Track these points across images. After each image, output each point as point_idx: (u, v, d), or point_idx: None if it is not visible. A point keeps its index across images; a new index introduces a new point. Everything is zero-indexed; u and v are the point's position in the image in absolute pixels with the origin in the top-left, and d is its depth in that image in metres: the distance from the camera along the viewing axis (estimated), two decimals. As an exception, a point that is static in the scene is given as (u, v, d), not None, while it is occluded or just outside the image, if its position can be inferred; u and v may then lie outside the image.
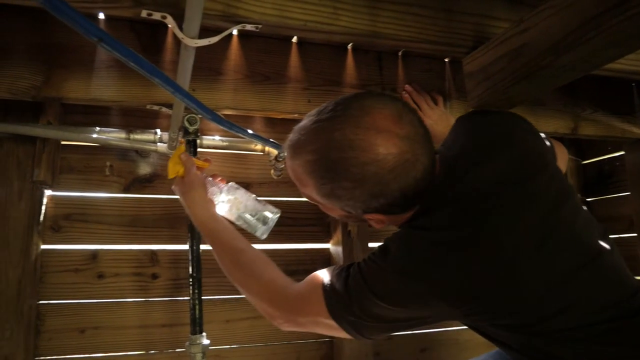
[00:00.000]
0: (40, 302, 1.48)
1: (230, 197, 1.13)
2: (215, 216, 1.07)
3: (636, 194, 1.89)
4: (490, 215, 0.80)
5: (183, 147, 1.24)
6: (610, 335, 0.75)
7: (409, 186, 0.79)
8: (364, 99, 0.82)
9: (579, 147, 2.19)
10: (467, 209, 0.81)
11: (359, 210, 0.85)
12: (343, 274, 0.85)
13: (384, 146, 0.76)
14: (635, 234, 1.91)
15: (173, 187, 1.13)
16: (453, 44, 1.25)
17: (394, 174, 0.77)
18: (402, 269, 0.79)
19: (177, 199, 1.63)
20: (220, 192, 1.13)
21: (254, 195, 1.16)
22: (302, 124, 0.87)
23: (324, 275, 0.89)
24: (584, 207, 0.90)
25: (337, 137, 0.78)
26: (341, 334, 0.86)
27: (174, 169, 1.10)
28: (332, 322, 0.84)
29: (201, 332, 1.32)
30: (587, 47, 0.94)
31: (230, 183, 1.16)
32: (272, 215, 1.14)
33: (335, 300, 0.84)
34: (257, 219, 1.13)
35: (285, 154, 0.89)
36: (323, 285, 0.86)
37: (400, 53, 1.55)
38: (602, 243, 0.84)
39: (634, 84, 1.83)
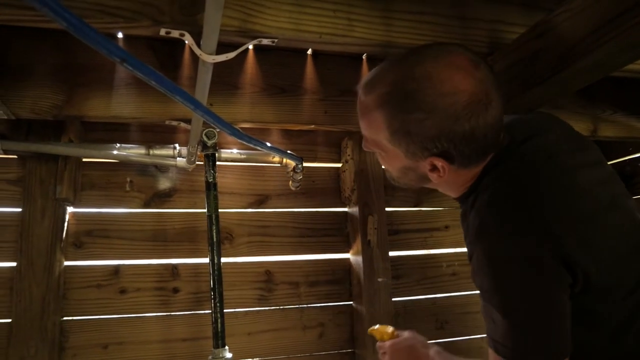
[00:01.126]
0: (64, 318, 1.50)
1: None
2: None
3: (660, 196, 1.86)
4: (562, 171, 0.82)
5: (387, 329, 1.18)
6: None
7: (479, 129, 0.78)
8: (445, 44, 0.85)
9: (599, 148, 2.15)
10: (536, 162, 0.82)
11: (425, 152, 0.81)
12: (491, 318, 0.79)
13: (462, 82, 0.76)
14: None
15: (386, 350, 1.11)
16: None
17: (466, 111, 0.76)
18: (513, 236, 0.76)
19: (196, 212, 1.67)
20: None
21: None
22: (380, 65, 0.86)
23: (491, 347, 0.81)
24: None
25: (416, 70, 0.78)
26: None
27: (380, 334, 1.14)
28: None
29: (224, 346, 1.32)
30: (604, 50, 0.93)
31: None
32: None
33: (516, 345, 0.76)
34: None
35: (359, 92, 0.87)
36: (499, 351, 0.78)
37: (414, 61, 1.55)
38: None
39: (653, 84, 1.80)
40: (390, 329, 1.13)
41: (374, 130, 0.85)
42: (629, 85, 1.74)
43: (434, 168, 0.84)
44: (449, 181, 0.88)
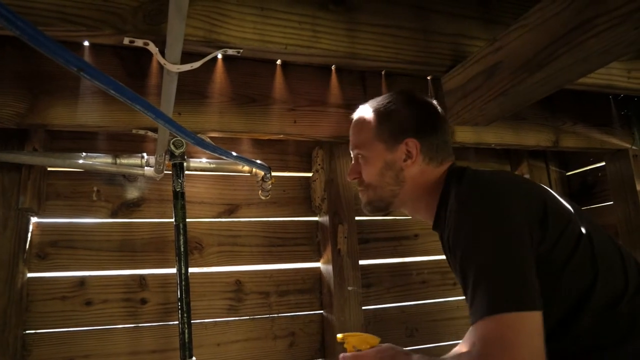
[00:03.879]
0: (27, 331, 1.45)
1: None
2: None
3: (619, 204, 1.92)
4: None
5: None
6: None
7: (440, 129, 1.01)
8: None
9: (562, 159, 2.23)
10: (495, 172, 1.01)
11: (403, 134, 1.00)
12: (471, 292, 0.82)
13: (426, 101, 1.06)
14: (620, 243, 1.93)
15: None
16: (431, 64, 1.29)
17: (432, 112, 1.03)
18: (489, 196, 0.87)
19: (165, 221, 1.65)
20: None
21: None
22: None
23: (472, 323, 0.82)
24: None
25: (391, 97, 1.05)
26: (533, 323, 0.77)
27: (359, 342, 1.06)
28: (524, 316, 0.76)
29: (191, 357, 1.30)
30: (557, 64, 0.97)
31: None
32: None
33: (511, 292, 0.78)
34: None
35: (354, 120, 1.08)
36: (478, 314, 0.79)
37: (383, 72, 1.58)
38: None
39: (611, 97, 1.87)
40: (376, 339, 1.05)
41: (365, 129, 1.04)
42: (588, 98, 1.80)
43: (408, 156, 0.99)
44: (415, 183, 1.01)
